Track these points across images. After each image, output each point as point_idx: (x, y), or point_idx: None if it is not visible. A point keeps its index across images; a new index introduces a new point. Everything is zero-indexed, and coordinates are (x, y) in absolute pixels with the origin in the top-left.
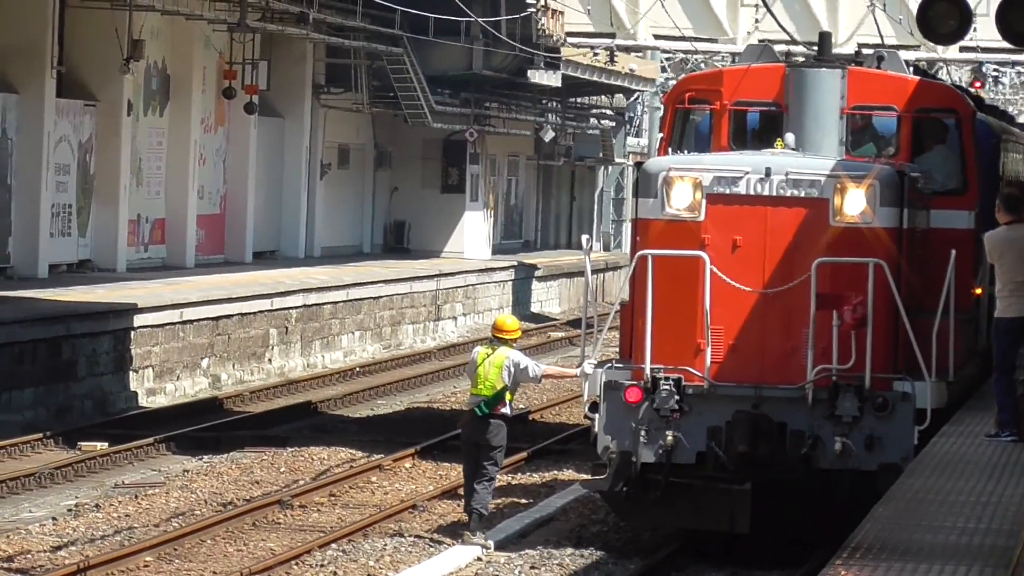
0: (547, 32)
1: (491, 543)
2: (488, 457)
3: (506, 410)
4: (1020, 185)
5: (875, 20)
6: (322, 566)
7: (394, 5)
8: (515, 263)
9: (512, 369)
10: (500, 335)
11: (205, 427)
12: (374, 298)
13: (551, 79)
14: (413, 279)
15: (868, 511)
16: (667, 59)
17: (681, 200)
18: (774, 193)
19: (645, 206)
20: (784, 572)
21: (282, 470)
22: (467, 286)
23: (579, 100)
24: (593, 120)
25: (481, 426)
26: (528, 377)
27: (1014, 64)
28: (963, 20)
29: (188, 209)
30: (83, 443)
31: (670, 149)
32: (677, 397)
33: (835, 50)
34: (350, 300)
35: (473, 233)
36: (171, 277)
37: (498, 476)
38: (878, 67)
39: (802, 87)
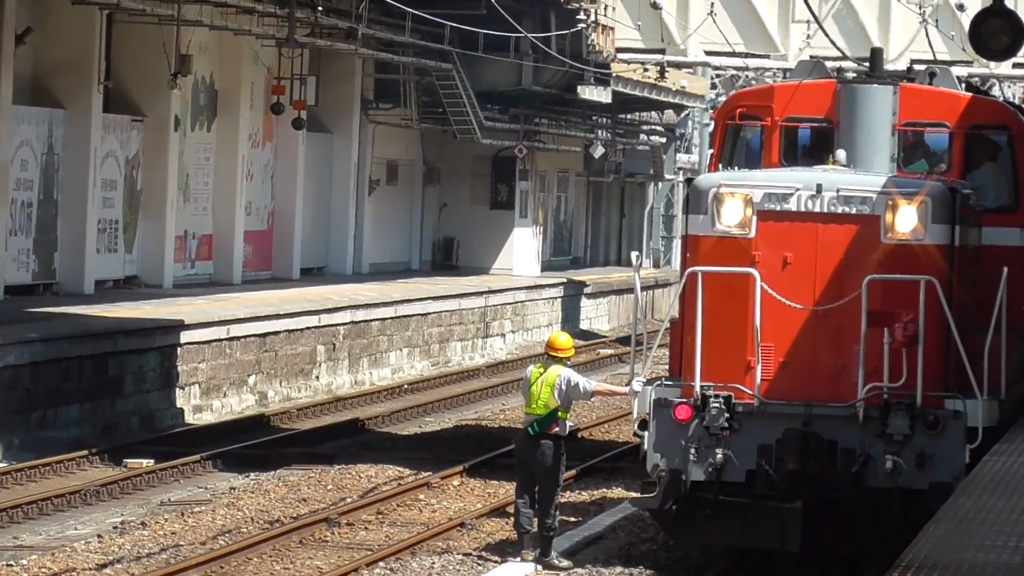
0: (597, 48)
1: (569, 563)
2: (545, 480)
3: (559, 429)
4: None
5: (927, 36)
6: None
7: (444, 21)
8: (564, 280)
9: (564, 387)
10: (553, 353)
11: (252, 444)
12: (422, 315)
13: (601, 95)
14: (462, 296)
15: (919, 530)
16: (717, 75)
17: (732, 217)
18: (825, 210)
19: (695, 223)
20: None
21: (329, 488)
22: (516, 303)
23: (629, 116)
24: (643, 136)
25: (533, 446)
26: (580, 394)
27: None
28: (1016, 36)
29: (235, 225)
30: (129, 460)
31: (720, 165)
32: (727, 415)
33: (887, 66)
34: (398, 317)
35: (522, 250)
36: (218, 293)
37: (559, 497)
38: (930, 83)
39: (853, 103)
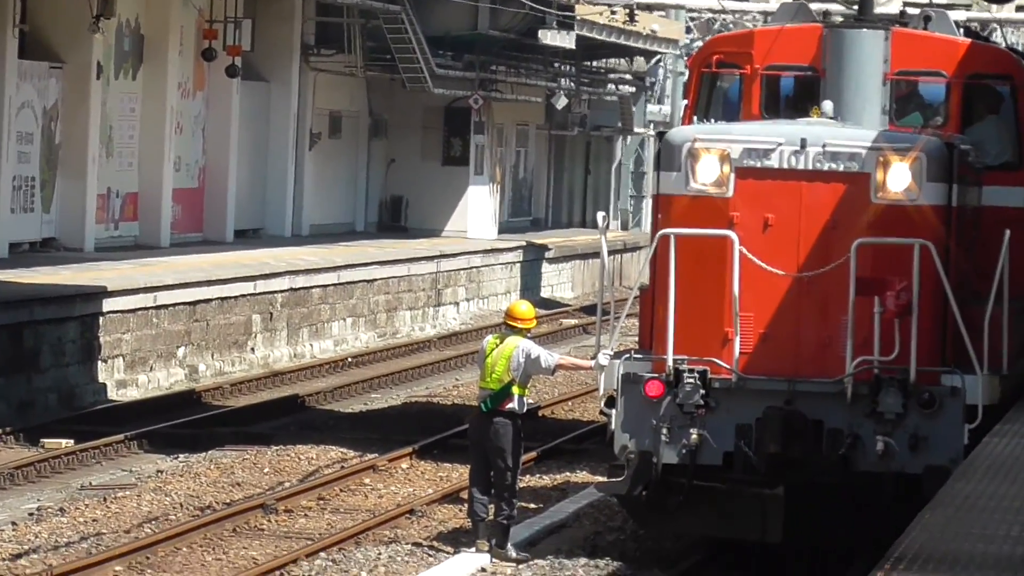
0: None
1: (527, 554)
2: (500, 463)
3: (514, 405)
4: None
5: None
6: None
7: None
8: (524, 243)
9: (521, 360)
10: (513, 323)
11: (181, 423)
12: (368, 281)
13: (564, 40)
14: (411, 261)
15: (913, 518)
16: (692, 19)
17: (707, 174)
18: (810, 167)
19: (667, 180)
20: None
21: (266, 471)
22: (471, 268)
23: (595, 64)
24: (611, 86)
25: (486, 424)
26: (540, 368)
27: None
28: None
29: (163, 183)
30: (46, 440)
31: (695, 118)
32: (702, 391)
33: (877, 9)
34: (341, 284)
35: (477, 210)
36: (144, 258)
37: (516, 480)
38: (925, 28)
39: (841, 50)
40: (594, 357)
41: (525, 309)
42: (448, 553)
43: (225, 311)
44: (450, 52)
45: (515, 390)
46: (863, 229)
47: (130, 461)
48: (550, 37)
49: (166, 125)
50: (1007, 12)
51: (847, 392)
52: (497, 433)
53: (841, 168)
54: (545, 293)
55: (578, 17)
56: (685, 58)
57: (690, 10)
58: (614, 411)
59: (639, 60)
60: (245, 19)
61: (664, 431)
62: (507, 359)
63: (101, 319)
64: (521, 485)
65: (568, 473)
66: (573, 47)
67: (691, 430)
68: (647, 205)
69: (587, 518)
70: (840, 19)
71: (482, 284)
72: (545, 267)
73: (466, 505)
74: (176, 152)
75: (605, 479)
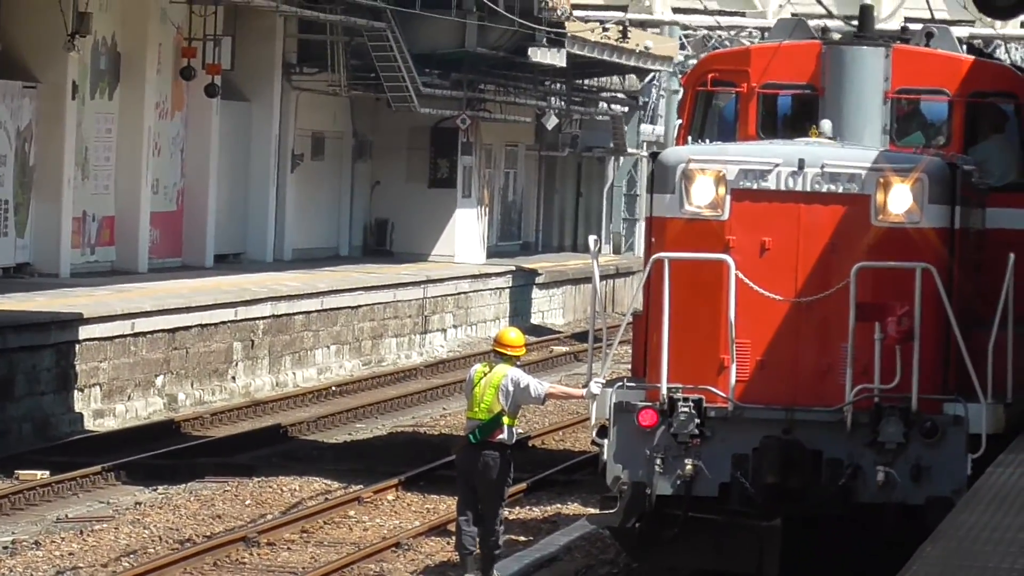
0: (551, 4)
1: None
2: (488, 495)
3: (504, 436)
4: None
5: None
6: None
7: None
8: (513, 268)
9: (511, 389)
10: (502, 350)
11: (160, 454)
12: (352, 308)
13: (555, 58)
14: (397, 286)
15: (915, 551)
16: (687, 36)
17: (702, 196)
18: (808, 188)
19: (661, 203)
20: None
21: (247, 503)
22: (458, 294)
23: (587, 82)
24: (602, 105)
25: (475, 456)
26: (530, 397)
27: None
28: None
29: (141, 206)
30: (21, 472)
31: (690, 138)
32: (697, 421)
33: (878, 25)
34: (325, 310)
35: (465, 234)
36: (121, 283)
37: (503, 513)
38: (927, 45)
39: (840, 67)
40: (586, 385)
41: (515, 336)
42: None
43: (205, 338)
44: (437, 70)
45: (505, 420)
46: (863, 253)
47: (107, 493)
48: (540, 55)
49: (143, 146)
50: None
51: (847, 421)
52: (487, 465)
53: (840, 190)
54: (535, 319)
55: (569, 34)
56: (679, 76)
57: (684, 27)
58: (606, 441)
59: (632, 78)
60: (225, 36)
61: (658, 461)
62: (495, 388)
63: (77, 347)
64: (511, 517)
65: (559, 505)
66: (564, 65)
67: (686, 460)
68: (640, 228)
69: (579, 551)
70: (839, 36)
71: (470, 310)
72: (535, 292)
73: (453, 538)
74: (154, 174)
75: (597, 511)
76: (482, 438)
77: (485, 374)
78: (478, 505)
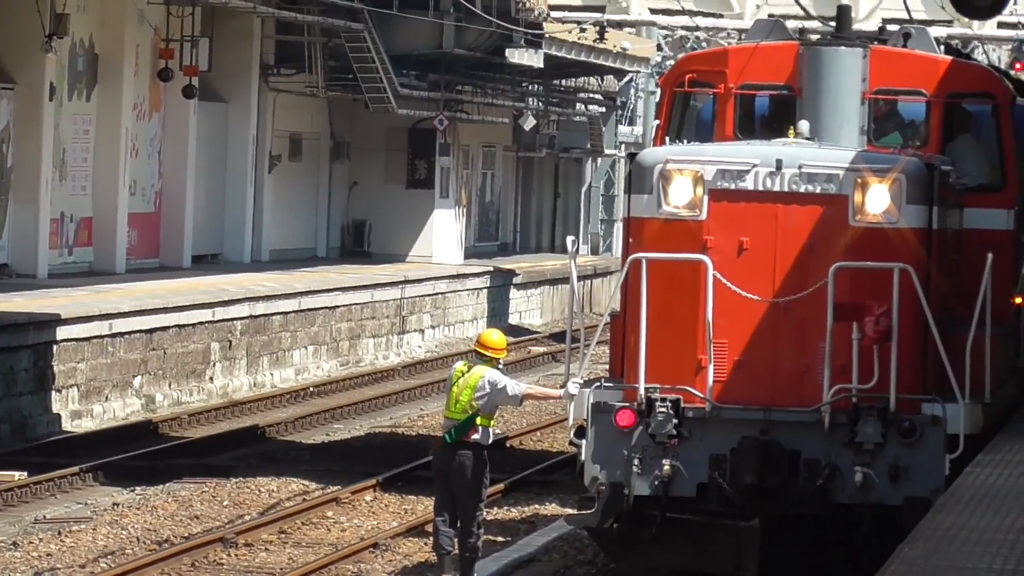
0: (528, 5)
1: None
2: (465, 495)
3: (478, 436)
4: None
5: None
6: None
7: None
8: (491, 269)
9: (487, 389)
10: (483, 351)
11: (138, 455)
12: (330, 308)
13: (532, 59)
14: (374, 287)
15: (893, 551)
16: (665, 36)
17: (680, 196)
18: (786, 189)
19: (639, 203)
20: None
21: (225, 503)
22: (436, 295)
23: (564, 83)
24: (580, 106)
25: (451, 456)
26: (507, 398)
27: None
28: None
29: (118, 207)
30: None
31: (667, 138)
32: (675, 421)
33: (856, 26)
34: (303, 310)
35: (443, 235)
36: (99, 284)
37: (482, 514)
38: (904, 46)
39: (818, 68)
40: (563, 386)
41: (496, 338)
42: None
43: (183, 339)
44: (414, 71)
45: (480, 421)
46: (841, 253)
47: (85, 494)
48: (517, 56)
49: (121, 147)
50: (988, 29)
51: (825, 421)
52: (462, 465)
53: (818, 190)
54: (513, 320)
55: (546, 35)
56: (657, 77)
57: (662, 27)
58: (584, 441)
59: (609, 79)
60: (202, 38)
61: (636, 462)
62: (472, 389)
63: (55, 347)
64: (489, 517)
65: (537, 505)
66: (541, 66)
67: (664, 461)
68: (618, 229)
69: (557, 551)
70: (817, 36)
71: (448, 311)
72: (513, 293)
73: (431, 538)
74: (131, 175)
75: (575, 511)
76: (457, 438)
77: (463, 374)
78: (455, 505)
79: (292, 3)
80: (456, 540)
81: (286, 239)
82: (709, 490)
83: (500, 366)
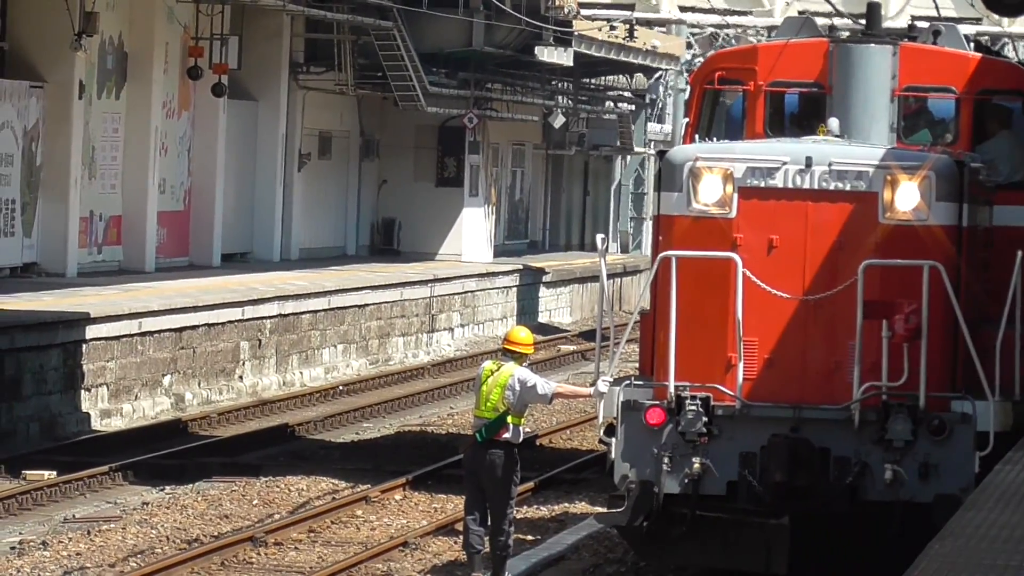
0: (557, 3)
1: None
2: (496, 493)
3: (509, 435)
4: None
5: None
6: None
7: None
8: (520, 267)
9: (517, 388)
10: (510, 347)
11: (167, 454)
12: (359, 307)
13: (562, 57)
14: (404, 285)
15: (923, 548)
16: (694, 34)
17: (710, 194)
18: (816, 186)
19: (669, 201)
20: None
21: (255, 503)
22: (465, 293)
23: (594, 81)
24: (609, 104)
25: (481, 455)
26: (537, 396)
27: None
28: None
29: (148, 205)
30: (28, 472)
31: (697, 136)
32: (705, 419)
33: (885, 24)
34: (332, 309)
35: (472, 233)
36: (128, 283)
37: (513, 512)
38: (934, 43)
39: (848, 65)
40: (593, 384)
41: (524, 335)
42: None
43: (212, 338)
44: (444, 69)
45: (511, 419)
46: (871, 250)
47: (115, 493)
48: (547, 54)
49: (150, 146)
50: (1018, 26)
51: (855, 419)
52: (493, 464)
53: (848, 187)
54: (543, 318)
55: (576, 33)
56: (686, 74)
57: (691, 25)
58: (614, 440)
59: (639, 77)
60: (232, 36)
61: (666, 460)
62: (502, 387)
63: (84, 346)
64: (519, 516)
65: (567, 504)
66: (571, 64)
67: (694, 459)
68: (647, 227)
69: (587, 550)
70: (847, 33)
71: (477, 309)
72: (542, 291)
73: (461, 537)
74: (161, 174)
75: (605, 510)
76: (488, 437)
77: (493, 372)
78: (486, 504)
79: (322, 1)
80: (487, 539)
81: (315, 237)
82: (739, 488)
83: (527, 364)
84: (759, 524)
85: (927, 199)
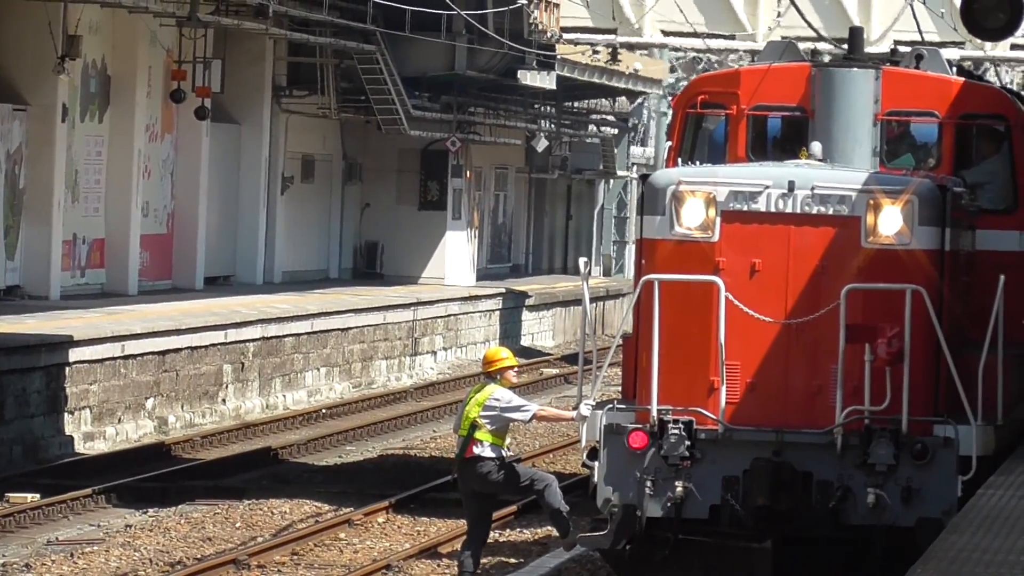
0: (540, 27)
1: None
2: (503, 492)
3: (479, 451)
4: None
5: (913, 14)
6: None
7: None
8: (503, 290)
9: (496, 405)
10: (490, 369)
11: (150, 477)
12: (342, 330)
13: (545, 80)
14: (387, 308)
15: (905, 573)
16: (677, 58)
17: (692, 218)
18: (798, 210)
19: (651, 225)
20: None
21: (237, 525)
22: (448, 316)
23: (577, 105)
24: (592, 127)
25: (467, 470)
26: (516, 415)
27: None
28: (1014, 13)
29: (131, 228)
30: (11, 495)
31: (680, 160)
32: (688, 443)
33: (868, 48)
34: (315, 332)
35: (455, 256)
36: (111, 306)
37: (539, 485)
38: (917, 67)
39: (830, 90)
40: (576, 407)
41: (498, 352)
42: None
43: (195, 361)
44: (427, 93)
45: (483, 436)
46: (853, 274)
47: (98, 516)
48: (530, 78)
49: (133, 169)
50: (1001, 50)
51: (837, 443)
52: (483, 475)
53: (830, 211)
54: (525, 341)
55: (559, 57)
56: (669, 98)
57: (674, 49)
58: (596, 463)
59: (622, 100)
60: (215, 59)
61: (648, 484)
62: (480, 405)
63: (67, 369)
64: (501, 539)
65: (550, 527)
66: (554, 87)
67: (676, 482)
68: (630, 250)
69: (569, 573)
70: (829, 58)
71: (460, 332)
72: (525, 315)
73: (445, 559)
74: (144, 197)
75: (588, 533)
76: (461, 454)
77: (475, 394)
78: (487, 524)
79: (304, 25)
80: (474, 562)
81: (298, 261)
82: (722, 512)
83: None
84: (742, 548)
85: (910, 223)
